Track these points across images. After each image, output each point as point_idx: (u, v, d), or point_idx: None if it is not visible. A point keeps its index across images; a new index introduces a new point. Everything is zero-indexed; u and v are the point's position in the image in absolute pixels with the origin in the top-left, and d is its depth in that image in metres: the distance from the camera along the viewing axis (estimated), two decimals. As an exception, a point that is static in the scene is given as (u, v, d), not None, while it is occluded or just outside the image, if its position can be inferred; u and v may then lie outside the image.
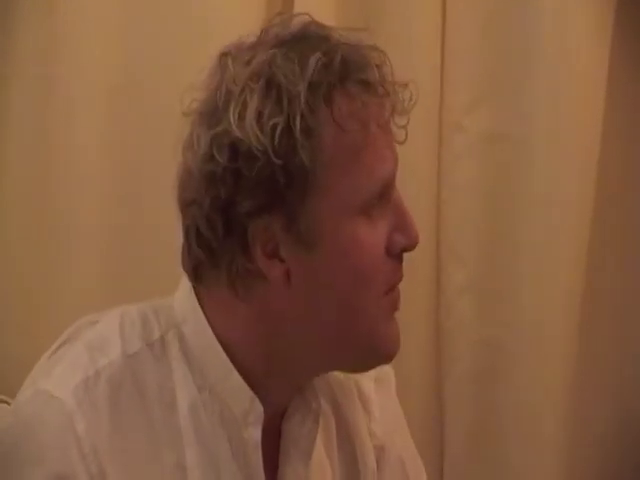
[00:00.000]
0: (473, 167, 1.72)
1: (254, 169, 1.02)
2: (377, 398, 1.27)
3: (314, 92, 1.03)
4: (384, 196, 1.07)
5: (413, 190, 1.66)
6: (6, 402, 1.24)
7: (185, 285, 1.13)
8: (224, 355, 1.10)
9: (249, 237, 1.04)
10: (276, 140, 1.01)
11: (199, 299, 1.11)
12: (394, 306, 1.11)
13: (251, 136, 1.01)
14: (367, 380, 1.26)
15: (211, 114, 1.05)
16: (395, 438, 1.27)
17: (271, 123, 1.01)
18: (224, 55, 1.08)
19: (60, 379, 1.07)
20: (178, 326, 1.12)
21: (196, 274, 1.10)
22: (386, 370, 1.28)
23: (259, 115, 1.02)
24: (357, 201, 1.06)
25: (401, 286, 1.52)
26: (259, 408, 1.10)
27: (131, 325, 1.12)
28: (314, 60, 1.04)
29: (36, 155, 1.60)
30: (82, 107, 1.60)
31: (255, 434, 1.11)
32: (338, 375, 1.24)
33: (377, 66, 1.08)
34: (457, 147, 1.72)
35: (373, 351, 1.11)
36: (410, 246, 1.10)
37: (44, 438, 1.04)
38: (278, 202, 1.03)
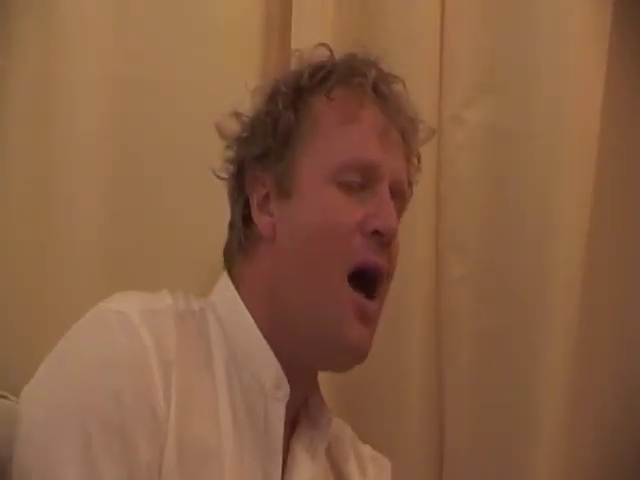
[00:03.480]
0: (473, 160, 1.72)
1: (249, 128, 1.22)
2: (373, 465, 1.34)
3: (313, 80, 1.21)
4: (368, 184, 1.17)
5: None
6: (6, 397, 1.24)
7: (222, 279, 1.23)
8: (258, 332, 1.17)
9: (247, 191, 1.20)
10: (265, 102, 1.22)
11: (238, 289, 1.20)
12: (359, 311, 1.16)
13: (255, 101, 1.23)
14: (366, 451, 1.34)
15: None
16: None
17: (270, 90, 1.22)
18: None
19: (119, 302, 1.13)
20: (214, 307, 1.20)
21: (227, 255, 1.24)
22: (384, 458, 1.37)
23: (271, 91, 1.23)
24: (329, 166, 1.16)
25: (400, 277, 1.54)
26: (286, 385, 1.17)
27: (175, 294, 1.20)
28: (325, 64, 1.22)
29: (37, 143, 1.59)
30: (83, 96, 1.59)
31: (280, 409, 1.17)
32: (337, 432, 1.31)
33: (392, 92, 1.23)
34: (457, 140, 1.72)
35: (333, 340, 1.16)
36: (383, 229, 1.16)
37: (113, 339, 1.09)
38: (268, 152, 1.19)
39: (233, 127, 1.25)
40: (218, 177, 1.25)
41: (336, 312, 1.15)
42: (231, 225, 1.23)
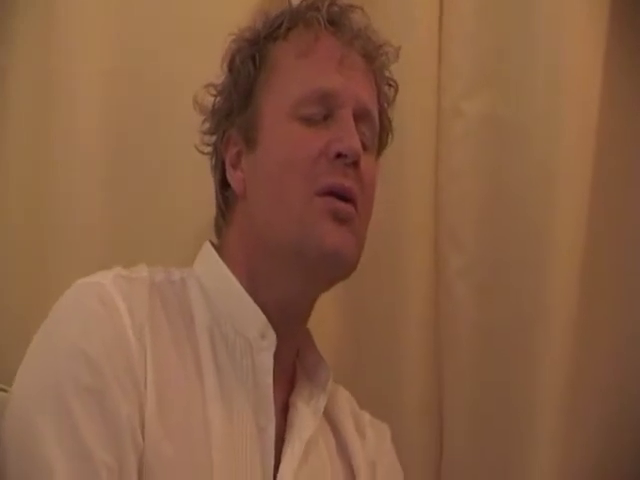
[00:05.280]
0: (472, 151, 1.71)
1: (219, 94, 1.24)
2: (372, 429, 1.34)
3: (271, 28, 1.23)
4: (330, 115, 1.18)
5: (411, 174, 1.67)
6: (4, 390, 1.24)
7: (204, 250, 1.24)
8: (240, 287, 1.18)
9: (222, 151, 1.22)
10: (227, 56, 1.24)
11: (221, 255, 1.22)
12: (330, 211, 1.15)
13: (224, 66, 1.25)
14: (364, 416, 1.35)
15: None
16: (389, 463, 1.34)
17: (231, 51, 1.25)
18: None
19: (96, 275, 1.16)
20: (198, 276, 1.21)
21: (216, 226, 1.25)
22: (383, 424, 1.38)
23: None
24: (288, 103, 1.17)
25: (399, 268, 1.54)
26: (272, 334, 1.17)
27: (154, 269, 1.22)
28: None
29: (37, 127, 1.58)
30: (82, 91, 1.59)
31: (268, 359, 1.17)
32: (336, 396, 1.31)
33: (343, 12, 1.24)
34: (455, 132, 1.71)
35: (312, 249, 1.16)
36: (345, 150, 1.16)
37: (88, 306, 1.11)
38: (232, 106, 1.21)
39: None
40: (200, 152, 1.25)
41: (309, 222, 1.15)
42: (215, 193, 1.25)
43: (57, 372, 1.08)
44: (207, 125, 1.26)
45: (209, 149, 1.28)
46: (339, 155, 1.15)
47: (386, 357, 1.68)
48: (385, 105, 1.28)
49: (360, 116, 1.19)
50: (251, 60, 1.20)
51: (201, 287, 1.19)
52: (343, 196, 1.16)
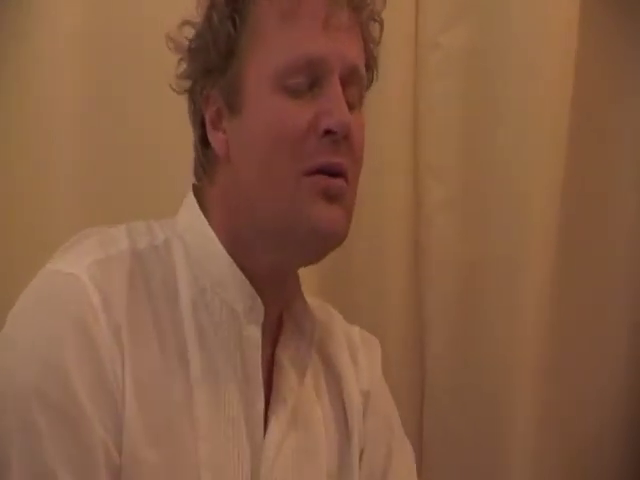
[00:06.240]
0: (450, 84, 1.71)
1: (197, 40, 1.16)
2: (364, 351, 1.30)
3: None
4: (316, 83, 1.12)
5: (391, 108, 1.67)
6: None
7: (188, 199, 1.19)
8: (226, 255, 1.14)
9: (202, 110, 1.15)
10: (205, 10, 1.15)
11: (204, 211, 1.16)
12: (321, 191, 1.11)
13: (197, 15, 1.17)
14: (355, 336, 1.31)
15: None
16: (381, 393, 1.31)
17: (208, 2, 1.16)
18: None
19: (71, 261, 1.10)
20: (181, 235, 1.16)
21: (195, 173, 1.20)
22: (374, 338, 1.34)
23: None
24: (273, 72, 1.11)
25: (379, 202, 1.54)
26: (260, 306, 1.14)
27: (137, 230, 1.17)
28: None
29: (17, 80, 1.58)
30: (64, 35, 1.57)
31: (256, 332, 1.14)
32: (328, 325, 1.28)
33: None
34: (434, 65, 1.71)
35: (303, 230, 1.12)
36: (334, 126, 1.11)
37: (58, 308, 1.06)
38: (212, 66, 1.14)
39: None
40: (175, 91, 1.19)
41: (298, 202, 1.10)
42: (195, 145, 1.20)
43: (22, 383, 1.03)
44: (184, 67, 1.19)
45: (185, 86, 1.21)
46: (328, 131, 1.11)
47: (368, 291, 1.68)
48: (372, 49, 1.21)
49: (347, 76, 1.14)
50: (230, 19, 1.13)
51: (185, 249, 1.15)
52: (333, 172, 1.12)
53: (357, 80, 1.16)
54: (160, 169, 1.58)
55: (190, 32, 1.18)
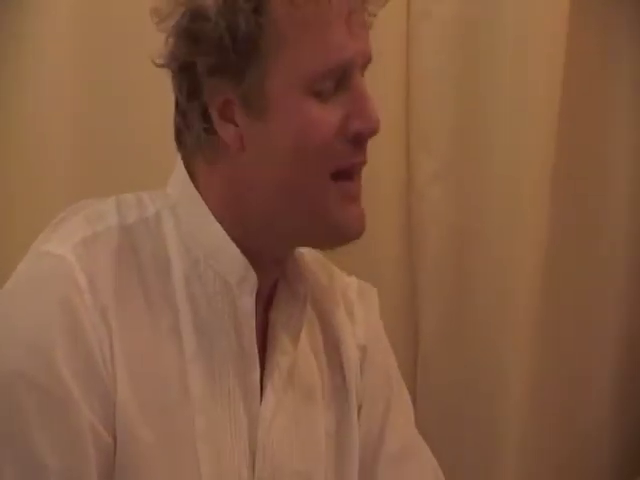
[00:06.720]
0: (442, 54, 1.71)
1: (206, 30, 1.08)
2: (360, 304, 1.30)
3: None
4: (341, 83, 1.10)
5: (382, 78, 1.65)
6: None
7: (179, 170, 1.17)
8: (218, 226, 1.13)
9: (205, 97, 1.10)
10: (220, 2, 1.07)
11: (194, 181, 1.15)
12: (347, 195, 1.11)
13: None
14: (351, 290, 1.30)
15: None
16: (378, 346, 1.30)
17: None
18: None
19: (59, 241, 1.09)
20: (173, 207, 1.15)
21: (179, 140, 1.16)
22: (369, 288, 1.33)
23: None
24: (302, 79, 1.08)
25: (371, 173, 1.53)
26: (253, 276, 1.13)
27: (126, 204, 1.15)
28: None
29: (8, 64, 1.58)
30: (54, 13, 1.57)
31: (249, 303, 1.13)
32: (324, 281, 1.27)
33: None
34: (426, 35, 1.71)
35: (330, 232, 1.12)
36: (366, 129, 1.11)
37: (45, 290, 1.05)
38: (227, 64, 1.08)
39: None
40: (157, 65, 1.13)
41: (326, 206, 1.10)
42: (177, 108, 1.15)
43: (8, 365, 1.03)
44: (172, 44, 1.12)
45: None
46: (358, 134, 1.10)
47: (361, 263, 1.68)
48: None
49: (365, 66, 1.13)
50: (253, 18, 1.07)
51: (177, 221, 1.14)
52: (356, 171, 1.13)
53: (369, 61, 1.15)
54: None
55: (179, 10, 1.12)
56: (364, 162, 1.14)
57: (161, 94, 1.17)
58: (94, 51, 1.59)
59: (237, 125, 1.10)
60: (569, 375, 1.78)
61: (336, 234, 1.13)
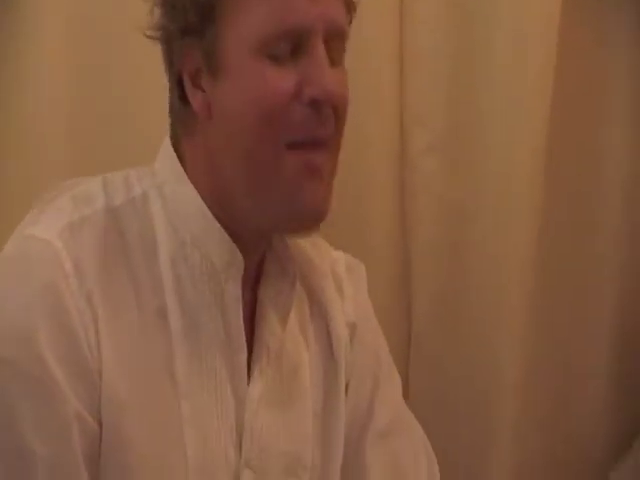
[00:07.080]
0: (436, 32, 1.69)
1: None
2: (349, 280, 1.29)
3: None
4: (299, 48, 1.08)
5: (376, 56, 1.66)
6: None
7: (165, 149, 1.17)
8: (205, 208, 1.12)
9: (178, 63, 1.11)
10: None
11: (181, 159, 1.14)
12: (306, 168, 1.09)
13: None
14: (339, 265, 1.29)
15: None
16: (367, 325, 1.30)
17: None
18: None
19: (45, 224, 1.09)
20: (160, 186, 1.14)
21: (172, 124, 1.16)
22: (358, 263, 1.32)
23: None
24: (256, 40, 1.07)
25: (364, 148, 1.52)
26: (240, 260, 1.12)
27: (113, 184, 1.15)
28: None
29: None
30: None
31: (236, 287, 1.13)
32: (313, 258, 1.26)
33: None
34: (419, 13, 1.69)
35: (283, 209, 1.10)
36: (321, 96, 1.08)
37: (29, 275, 1.05)
38: (190, 26, 1.09)
39: None
40: (148, 37, 1.15)
41: (281, 177, 1.08)
42: (170, 90, 1.16)
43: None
44: (158, 17, 1.14)
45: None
46: (314, 101, 1.07)
47: (353, 235, 1.68)
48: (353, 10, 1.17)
49: (330, 34, 1.10)
50: None
51: (164, 202, 1.13)
52: (316, 143, 1.09)
53: (340, 36, 1.12)
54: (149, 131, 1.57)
55: None
56: (330, 136, 1.10)
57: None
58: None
59: (204, 91, 1.10)
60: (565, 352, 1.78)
61: (290, 211, 1.10)
